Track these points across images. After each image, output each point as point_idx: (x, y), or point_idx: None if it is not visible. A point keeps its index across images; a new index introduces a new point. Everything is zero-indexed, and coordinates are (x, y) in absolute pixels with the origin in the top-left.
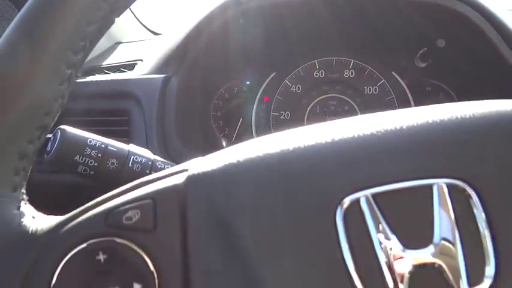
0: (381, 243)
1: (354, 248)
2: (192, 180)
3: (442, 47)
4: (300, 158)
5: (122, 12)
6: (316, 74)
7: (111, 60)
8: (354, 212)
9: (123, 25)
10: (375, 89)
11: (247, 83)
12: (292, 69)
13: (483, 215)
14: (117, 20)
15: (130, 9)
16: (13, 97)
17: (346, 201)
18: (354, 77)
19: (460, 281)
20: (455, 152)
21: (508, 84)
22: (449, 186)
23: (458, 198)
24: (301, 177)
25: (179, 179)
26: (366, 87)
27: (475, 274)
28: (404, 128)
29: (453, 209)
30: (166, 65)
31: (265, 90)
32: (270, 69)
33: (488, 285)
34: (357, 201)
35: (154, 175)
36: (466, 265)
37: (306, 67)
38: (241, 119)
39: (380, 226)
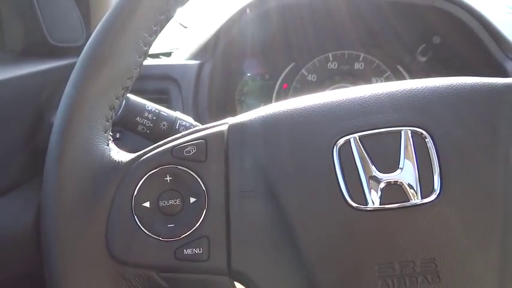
0: (364, 169)
1: (345, 173)
2: (232, 127)
3: (439, 44)
4: (309, 114)
5: (183, 5)
6: (330, 66)
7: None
8: (346, 149)
9: None
10: (381, 80)
11: (269, 72)
12: (308, 61)
13: (434, 150)
14: None
15: None
16: (108, 63)
17: (341, 141)
18: (364, 69)
19: (416, 194)
20: (418, 109)
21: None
22: (412, 131)
23: (418, 139)
24: (310, 126)
25: (223, 128)
26: (373, 79)
27: (426, 189)
28: (383, 92)
29: (414, 147)
30: (200, 53)
31: (285, 79)
32: (289, 60)
33: (435, 196)
34: (348, 141)
35: (206, 125)
36: (420, 183)
37: (320, 59)
38: (262, 104)
39: (363, 158)
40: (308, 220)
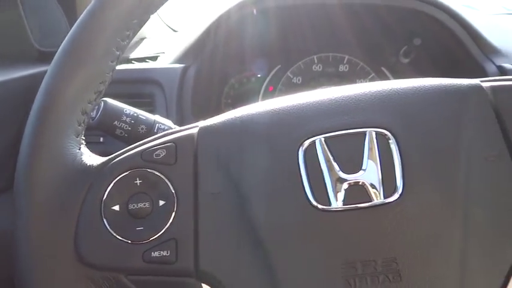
0: (328, 170)
1: (309, 174)
2: (202, 130)
3: (420, 45)
4: (276, 116)
5: (156, 10)
6: (315, 68)
7: (137, 52)
8: (311, 150)
9: (148, 23)
10: (366, 82)
11: (256, 74)
12: (294, 63)
13: (397, 150)
14: None
15: None
16: (79, 68)
17: (306, 143)
18: (348, 71)
19: (378, 194)
20: (382, 110)
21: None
22: (376, 133)
23: (382, 140)
24: (276, 128)
25: (194, 131)
26: (358, 80)
27: (389, 189)
28: (349, 94)
29: (378, 147)
30: (185, 56)
31: (271, 81)
32: (275, 62)
33: (397, 196)
34: (313, 143)
35: (177, 128)
36: (383, 183)
37: (306, 61)
38: None
39: (328, 159)
40: (272, 221)
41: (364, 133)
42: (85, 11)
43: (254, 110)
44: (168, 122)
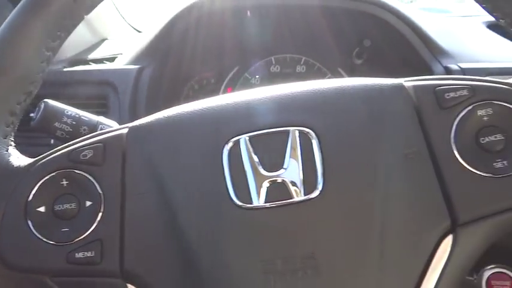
0: (251, 168)
1: (232, 173)
2: (131, 131)
3: (370, 47)
4: (203, 116)
5: (90, 11)
6: (273, 69)
7: (96, 54)
8: (236, 149)
9: (109, 24)
10: None
11: (215, 75)
12: (252, 64)
13: (318, 148)
14: (102, 19)
15: (117, 9)
16: (4, 69)
17: (231, 142)
18: (305, 72)
19: (299, 191)
20: (305, 109)
21: None
22: (299, 131)
23: (305, 138)
24: (202, 128)
25: (123, 131)
26: None
27: (309, 187)
28: (274, 94)
29: (300, 146)
30: (141, 57)
31: (229, 82)
32: (233, 63)
33: (317, 193)
34: (238, 142)
35: (108, 129)
36: (303, 181)
37: (263, 62)
38: None
39: (251, 158)
40: (196, 221)
41: (288, 132)
42: (14, 10)
43: (183, 110)
44: (112, 123)
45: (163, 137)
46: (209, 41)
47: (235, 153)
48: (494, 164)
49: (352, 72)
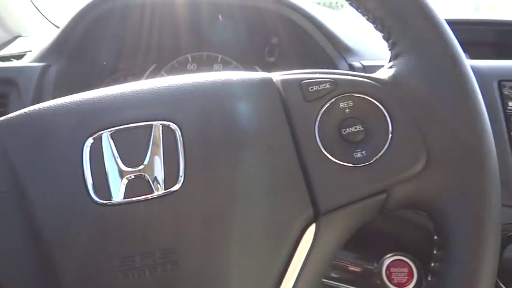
0: (111, 164)
1: (93, 169)
2: None
3: (280, 44)
4: (64, 112)
5: None
6: (189, 67)
7: (6, 51)
8: (97, 145)
9: (24, 20)
10: None
11: (132, 73)
12: (168, 62)
13: (181, 143)
14: (16, 15)
15: (34, 5)
16: None
17: (91, 138)
18: (222, 70)
19: (160, 186)
20: (169, 104)
21: None
22: (163, 126)
23: (168, 133)
24: (63, 124)
25: None
26: None
27: (170, 182)
28: (137, 89)
29: (163, 140)
30: (47, 54)
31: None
32: (150, 61)
33: (178, 187)
34: (99, 138)
35: None
36: (164, 176)
37: (180, 60)
38: None
39: (113, 153)
40: (55, 220)
41: (151, 126)
42: None
43: (49, 105)
44: None
45: (24, 134)
46: (123, 38)
47: (96, 149)
48: (354, 154)
49: (268, 70)
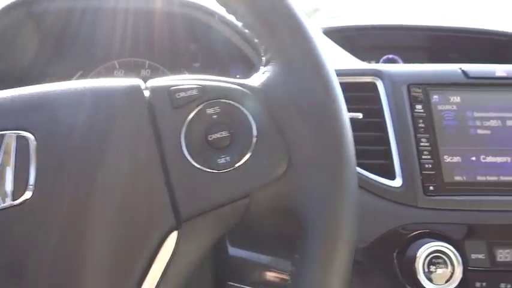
0: None
1: None
2: None
3: (199, 50)
4: None
5: None
6: (117, 73)
7: None
8: None
9: None
10: None
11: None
12: (95, 68)
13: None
14: None
15: None
16: None
17: None
18: (150, 76)
19: (9, 197)
20: (25, 112)
21: None
22: (17, 135)
23: (22, 142)
24: None
25: None
26: None
27: (19, 192)
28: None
29: (15, 150)
30: None
31: None
32: (77, 67)
33: (27, 197)
34: None
35: None
36: (14, 186)
37: (106, 66)
38: None
39: None
40: None
41: (2, 136)
42: None
43: None
44: None
45: None
46: (50, 43)
47: None
48: (219, 159)
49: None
